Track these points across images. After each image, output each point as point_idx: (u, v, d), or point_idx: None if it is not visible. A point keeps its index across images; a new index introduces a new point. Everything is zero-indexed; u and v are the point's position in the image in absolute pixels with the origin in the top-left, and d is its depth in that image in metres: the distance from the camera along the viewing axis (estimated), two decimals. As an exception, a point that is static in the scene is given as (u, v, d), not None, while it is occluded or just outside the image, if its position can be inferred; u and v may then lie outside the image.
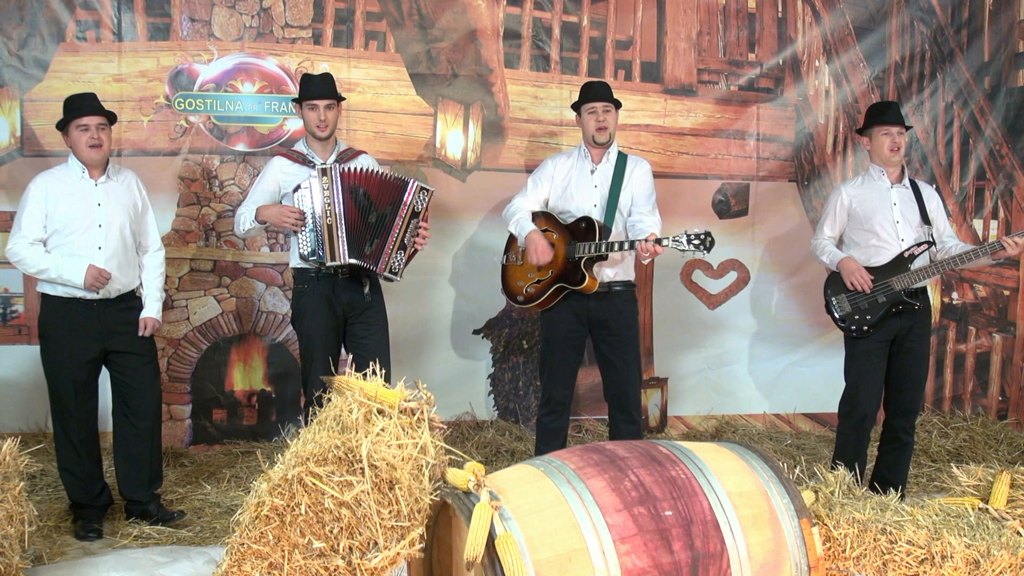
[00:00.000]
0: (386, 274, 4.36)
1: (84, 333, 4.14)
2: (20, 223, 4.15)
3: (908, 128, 4.73)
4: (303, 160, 4.47)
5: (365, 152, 4.67)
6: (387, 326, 4.57)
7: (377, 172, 4.44)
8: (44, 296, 4.19)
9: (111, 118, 4.23)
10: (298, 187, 4.35)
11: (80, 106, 4.16)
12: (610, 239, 4.44)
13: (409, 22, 5.53)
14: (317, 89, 4.45)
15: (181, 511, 4.37)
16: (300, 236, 4.34)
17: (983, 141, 6.16)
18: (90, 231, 4.14)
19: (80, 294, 4.12)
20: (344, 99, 4.60)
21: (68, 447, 4.22)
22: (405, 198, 4.35)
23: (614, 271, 4.55)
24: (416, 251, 4.45)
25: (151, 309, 4.30)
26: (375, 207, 4.34)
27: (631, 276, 4.64)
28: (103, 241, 4.15)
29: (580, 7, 5.73)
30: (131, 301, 4.28)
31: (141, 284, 4.34)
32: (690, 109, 5.89)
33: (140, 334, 4.27)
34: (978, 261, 4.55)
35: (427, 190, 4.41)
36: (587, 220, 4.50)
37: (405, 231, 4.36)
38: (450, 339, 5.70)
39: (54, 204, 4.13)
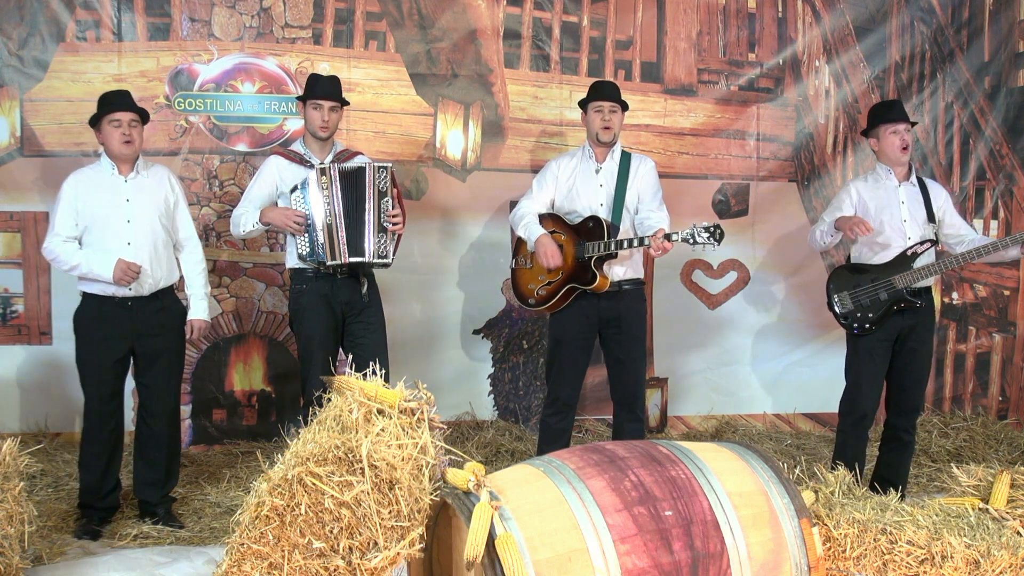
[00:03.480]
0: (375, 260, 4.32)
1: (114, 333, 4.16)
2: (53, 222, 4.19)
3: (914, 124, 4.74)
4: (300, 160, 4.45)
5: (362, 153, 4.66)
6: (385, 325, 4.55)
7: (352, 165, 4.41)
8: (84, 295, 4.21)
9: (144, 116, 4.25)
10: (295, 187, 4.34)
11: (114, 101, 4.19)
12: (618, 237, 4.44)
13: (409, 22, 5.52)
14: (324, 89, 4.44)
15: (182, 524, 4.34)
16: (299, 236, 4.33)
17: (983, 141, 6.15)
18: (119, 227, 4.15)
19: (112, 291, 4.12)
20: (348, 103, 4.59)
21: (85, 444, 4.26)
22: (367, 181, 4.33)
23: (623, 269, 4.54)
24: (399, 233, 4.42)
25: (197, 310, 4.30)
26: (358, 198, 4.34)
27: (640, 274, 4.63)
28: (132, 236, 4.15)
29: (580, 7, 5.73)
30: (166, 300, 4.26)
31: (183, 280, 4.37)
32: (690, 109, 5.89)
33: (188, 337, 4.31)
34: (1008, 252, 4.47)
35: (384, 167, 4.38)
36: (595, 219, 4.48)
37: (378, 213, 4.33)
38: (450, 339, 5.70)
39: (84, 201, 4.16)
